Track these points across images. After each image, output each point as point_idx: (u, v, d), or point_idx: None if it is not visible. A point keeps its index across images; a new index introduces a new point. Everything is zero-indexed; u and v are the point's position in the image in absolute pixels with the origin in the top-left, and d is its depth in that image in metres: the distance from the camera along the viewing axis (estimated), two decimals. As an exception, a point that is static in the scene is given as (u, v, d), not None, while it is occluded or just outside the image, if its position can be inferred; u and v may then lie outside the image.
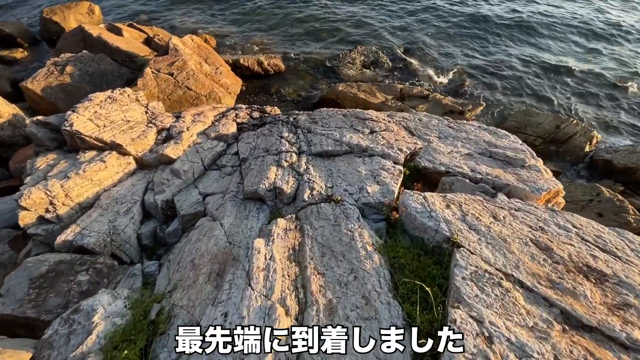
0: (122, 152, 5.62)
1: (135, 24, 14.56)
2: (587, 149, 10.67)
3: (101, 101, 6.36)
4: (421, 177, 4.42)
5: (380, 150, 4.85)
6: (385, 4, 19.48)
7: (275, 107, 8.36)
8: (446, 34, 16.81)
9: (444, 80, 13.87)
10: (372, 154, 4.85)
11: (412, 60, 14.60)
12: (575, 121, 11.31)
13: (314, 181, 4.30)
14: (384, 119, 5.96)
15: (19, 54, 14.90)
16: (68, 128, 5.34)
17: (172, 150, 5.72)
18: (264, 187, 4.28)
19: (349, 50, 14.85)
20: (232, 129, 6.87)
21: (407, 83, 13.33)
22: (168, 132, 6.48)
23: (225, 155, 6.04)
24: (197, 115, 7.48)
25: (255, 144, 6.03)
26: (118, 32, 13.30)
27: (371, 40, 16.19)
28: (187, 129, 6.52)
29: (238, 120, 7.51)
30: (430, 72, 14.30)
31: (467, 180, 3.99)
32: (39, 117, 6.05)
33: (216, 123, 7.13)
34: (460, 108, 11.56)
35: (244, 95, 12.78)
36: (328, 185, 4.22)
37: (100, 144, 5.50)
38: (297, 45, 15.74)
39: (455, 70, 14.38)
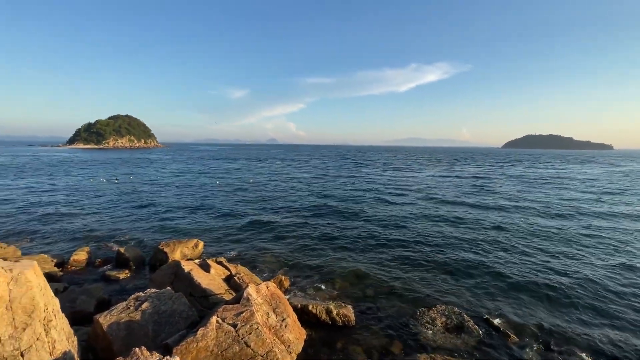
0: None
1: (224, 260, 15.44)
2: None
3: (135, 380, 4.86)
4: None
5: None
6: (467, 262, 18.58)
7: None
8: (551, 299, 14.02)
9: (561, 366, 10.01)
10: None
11: (508, 330, 11.52)
12: None
13: None
14: None
15: (124, 274, 16.09)
16: None
17: None
18: None
19: (427, 309, 12.73)
20: None
21: (511, 365, 9.81)
22: None
23: None
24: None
25: None
26: (207, 268, 13.88)
27: (452, 298, 14.10)
28: None
29: None
30: (536, 349, 10.76)
31: None
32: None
33: None
34: None
35: (306, 349, 10.52)
36: None
37: None
38: (369, 295, 14.34)
39: (567, 348, 10.62)
